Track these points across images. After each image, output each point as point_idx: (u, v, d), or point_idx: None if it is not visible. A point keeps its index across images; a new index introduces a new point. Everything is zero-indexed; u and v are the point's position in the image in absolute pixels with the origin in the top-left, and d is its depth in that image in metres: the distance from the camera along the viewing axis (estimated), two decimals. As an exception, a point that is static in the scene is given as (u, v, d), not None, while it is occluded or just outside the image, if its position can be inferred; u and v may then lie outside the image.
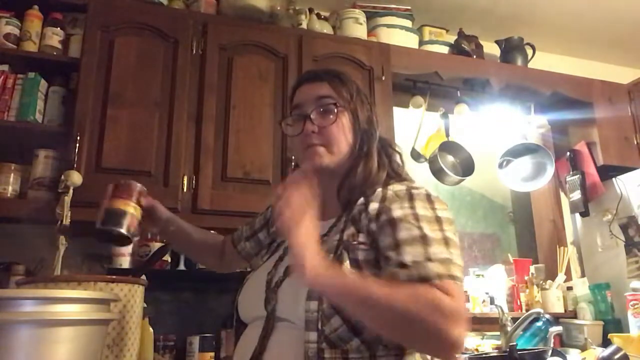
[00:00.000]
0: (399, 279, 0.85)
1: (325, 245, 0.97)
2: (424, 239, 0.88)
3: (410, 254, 0.87)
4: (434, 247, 0.87)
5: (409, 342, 0.88)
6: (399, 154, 1.13)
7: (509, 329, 2.24)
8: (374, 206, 0.97)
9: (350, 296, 0.84)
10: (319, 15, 2.54)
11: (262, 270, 1.07)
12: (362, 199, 1.00)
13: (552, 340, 2.37)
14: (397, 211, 0.93)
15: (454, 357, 0.82)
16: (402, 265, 0.86)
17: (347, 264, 0.92)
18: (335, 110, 1.07)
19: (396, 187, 1.00)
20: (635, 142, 2.80)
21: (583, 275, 2.83)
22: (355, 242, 0.95)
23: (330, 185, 1.07)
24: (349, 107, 1.09)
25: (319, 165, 1.05)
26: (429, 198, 0.96)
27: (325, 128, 1.06)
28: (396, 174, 1.08)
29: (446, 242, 0.89)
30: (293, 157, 2.10)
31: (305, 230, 0.88)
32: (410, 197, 0.95)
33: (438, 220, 0.92)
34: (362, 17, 2.56)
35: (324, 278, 0.85)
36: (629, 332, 2.33)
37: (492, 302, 2.52)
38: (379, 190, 1.01)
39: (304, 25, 2.46)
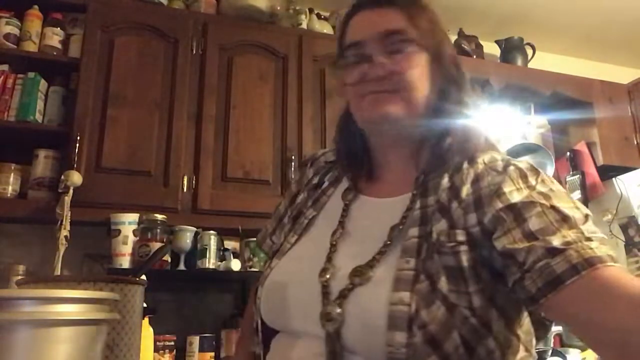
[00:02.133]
0: (554, 272, 0.59)
1: (399, 243, 0.70)
2: (567, 220, 0.63)
3: (558, 237, 0.61)
4: (585, 225, 0.63)
5: None
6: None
7: (509, 329, 2.23)
8: (467, 191, 0.70)
9: None
10: (319, 15, 2.54)
11: (300, 259, 0.79)
12: (446, 179, 0.73)
13: (552, 340, 2.37)
14: (514, 194, 0.66)
15: None
16: (553, 251, 0.60)
17: (443, 279, 0.65)
18: (411, 50, 0.77)
19: (487, 158, 0.74)
20: (635, 142, 2.80)
21: (583, 275, 2.83)
22: (453, 244, 0.67)
23: (396, 148, 0.81)
24: (431, 44, 0.78)
25: (384, 115, 0.76)
26: (537, 170, 0.72)
27: (398, 73, 0.76)
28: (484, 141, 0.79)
29: (588, 218, 0.66)
30: (293, 157, 2.11)
31: None
32: (521, 173, 0.70)
33: (565, 194, 0.68)
34: (362, 17, 2.55)
35: None
36: (629, 332, 2.33)
37: (492, 302, 2.51)
38: (466, 166, 0.74)
39: (304, 25, 2.46)
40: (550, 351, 1.97)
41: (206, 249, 1.99)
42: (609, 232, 2.63)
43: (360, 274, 0.69)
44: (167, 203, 1.95)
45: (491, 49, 2.91)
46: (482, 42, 2.85)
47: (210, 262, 1.99)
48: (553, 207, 0.64)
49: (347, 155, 0.87)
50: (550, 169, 2.76)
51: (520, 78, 2.74)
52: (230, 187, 2.03)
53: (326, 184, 0.88)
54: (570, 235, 0.61)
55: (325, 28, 2.50)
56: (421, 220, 0.71)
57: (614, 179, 2.67)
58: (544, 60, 2.94)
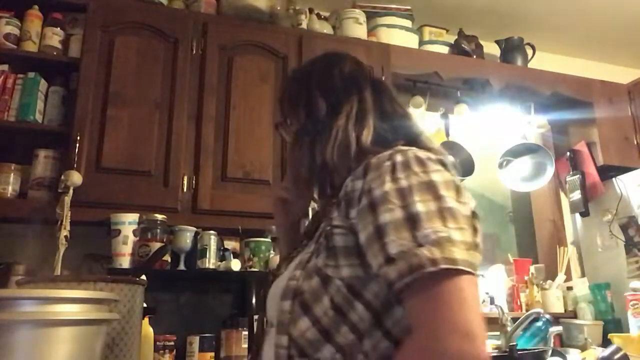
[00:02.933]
0: (390, 279, 0.70)
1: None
2: (410, 219, 0.70)
3: (395, 243, 0.70)
4: (425, 225, 0.69)
5: None
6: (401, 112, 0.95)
7: (509, 329, 2.24)
8: (354, 186, 0.80)
9: None
10: (319, 15, 2.54)
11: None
12: (349, 179, 0.83)
13: (552, 340, 2.37)
14: (377, 190, 0.75)
15: None
16: (389, 260, 0.70)
17: (322, 256, 0.79)
18: (282, 125, 1.04)
19: (381, 155, 0.81)
20: (635, 142, 2.80)
21: (583, 275, 2.83)
22: (329, 227, 0.80)
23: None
24: (287, 111, 1.02)
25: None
26: (418, 160, 0.76)
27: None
28: (391, 139, 0.89)
29: (442, 214, 0.71)
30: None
31: None
32: (393, 167, 0.76)
33: (431, 186, 0.73)
34: (362, 17, 2.56)
35: None
36: (629, 332, 2.33)
37: (492, 302, 2.52)
38: (364, 163, 0.82)
39: (304, 25, 2.46)
40: (550, 351, 1.97)
41: (206, 249, 1.99)
42: (609, 232, 2.63)
43: (280, 267, 0.92)
44: (167, 203, 1.95)
45: (491, 49, 2.92)
46: (482, 42, 2.85)
47: (210, 262, 1.99)
48: (403, 207, 0.72)
49: None
50: (550, 169, 2.76)
51: (520, 78, 2.74)
52: (230, 187, 2.03)
53: None
54: (405, 242, 0.69)
55: (325, 28, 2.50)
56: (327, 215, 0.85)
57: (614, 179, 2.67)
58: (544, 60, 2.94)
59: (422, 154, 0.78)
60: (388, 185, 0.74)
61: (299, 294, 0.78)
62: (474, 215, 0.76)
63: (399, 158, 0.77)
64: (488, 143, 2.90)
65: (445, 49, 2.74)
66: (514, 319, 2.28)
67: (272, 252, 2.04)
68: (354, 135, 0.88)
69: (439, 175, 0.75)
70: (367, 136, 0.88)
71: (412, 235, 0.69)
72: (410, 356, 0.69)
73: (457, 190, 0.75)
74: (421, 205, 0.71)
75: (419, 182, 0.73)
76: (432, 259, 0.67)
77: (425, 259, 0.67)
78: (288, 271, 0.85)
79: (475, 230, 0.74)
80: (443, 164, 0.78)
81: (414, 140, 0.89)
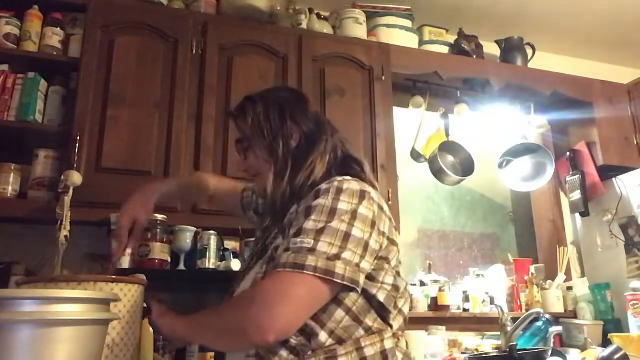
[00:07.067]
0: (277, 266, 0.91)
1: (267, 252, 1.04)
2: (301, 230, 0.91)
3: (284, 245, 0.93)
4: (308, 237, 0.90)
5: (225, 341, 0.97)
6: (342, 146, 1.10)
7: (509, 329, 2.24)
8: (297, 208, 1.00)
9: (192, 331, 1.03)
10: (319, 15, 2.54)
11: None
12: (295, 206, 1.01)
13: (552, 340, 2.37)
14: (309, 200, 0.95)
15: (266, 339, 0.85)
16: (279, 256, 0.93)
17: (264, 267, 0.99)
18: (247, 148, 1.12)
19: (324, 184, 0.98)
20: (635, 142, 2.80)
21: (583, 275, 2.83)
22: (274, 245, 1.00)
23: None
24: (256, 134, 1.09)
25: (260, 195, 1.19)
26: (350, 192, 0.94)
27: (250, 167, 1.14)
28: (341, 170, 1.05)
29: (335, 234, 0.89)
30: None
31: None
32: (326, 191, 0.95)
33: (339, 212, 0.91)
34: (362, 17, 2.56)
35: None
36: (629, 332, 2.33)
37: (492, 302, 2.52)
38: (311, 193, 0.99)
39: (304, 25, 2.46)
40: (550, 351, 1.97)
41: (206, 249, 1.99)
42: (609, 232, 2.63)
43: (241, 278, 1.08)
44: (167, 203, 1.95)
45: (491, 49, 2.92)
46: (482, 42, 2.85)
47: (210, 262, 1.99)
48: (308, 220, 0.91)
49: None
50: (550, 169, 2.76)
51: (520, 78, 2.74)
52: (230, 187, 2.03)
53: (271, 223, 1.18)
54: (292, 245, 0.90)
55: (325, 28, 2.50)
56: (281, 232, 1.02)
57: (614, 179, 2.68)
58: (544, 60, 2.94)
59: (358, 186, 0.96)
60: (310, 202, 0.94)
61: None
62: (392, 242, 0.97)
63: (336, 184, 0.95)
64: (488, 143, 2.90)
65: (445, 49, 2.74)
66: (514, 319, 2.28)
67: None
68: (319, 168, 1.04)
69: (365, 210, 0.93)
70: (321, 171, 1.04)
71: (297, 239, 0.90)
72: (253, 288, 0.97)
73: (372, 224, 0.93)
74: (318, 222, 0.91)
75: (333, 207, 0.92)
76: (285, 263, 0.89)
77: (287, 260, 0.89)
78: (248, 278, 1.04)
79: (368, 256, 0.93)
80: (370, 199, 0.95)
81: (358, 172, 1.05)
